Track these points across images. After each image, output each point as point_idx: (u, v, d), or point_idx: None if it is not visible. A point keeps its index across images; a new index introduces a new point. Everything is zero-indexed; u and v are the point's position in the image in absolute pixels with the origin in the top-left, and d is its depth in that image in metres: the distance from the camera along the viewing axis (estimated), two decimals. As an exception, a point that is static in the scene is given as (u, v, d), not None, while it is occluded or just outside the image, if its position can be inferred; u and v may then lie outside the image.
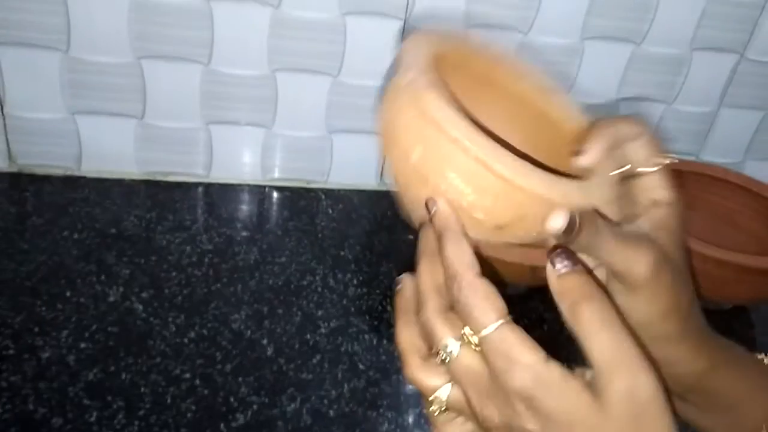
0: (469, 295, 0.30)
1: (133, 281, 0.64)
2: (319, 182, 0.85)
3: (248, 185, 0.83)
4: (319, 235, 0.76)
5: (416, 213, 0.33)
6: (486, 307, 0.30)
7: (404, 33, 0.76)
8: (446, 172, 0.30)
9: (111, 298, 0.62)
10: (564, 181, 0.31)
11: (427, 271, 0.33)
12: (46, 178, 0.77)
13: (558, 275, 0.30)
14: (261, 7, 0.72)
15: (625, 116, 0.35)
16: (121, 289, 0.63)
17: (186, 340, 0.59)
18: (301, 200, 0.82)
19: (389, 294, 0.68)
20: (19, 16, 0.68)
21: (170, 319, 0.61)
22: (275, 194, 0.83)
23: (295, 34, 0.74)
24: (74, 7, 0.68)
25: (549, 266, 0.31)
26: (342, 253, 0.74)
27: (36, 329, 0.57)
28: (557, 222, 0.29)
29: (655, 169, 0.34)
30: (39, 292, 0.61)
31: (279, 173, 0.84)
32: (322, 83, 0.78)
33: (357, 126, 0.82)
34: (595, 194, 0.32)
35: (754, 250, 0.76)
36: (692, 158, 0.93)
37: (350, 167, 0.85)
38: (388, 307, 0.67)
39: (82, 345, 0.57)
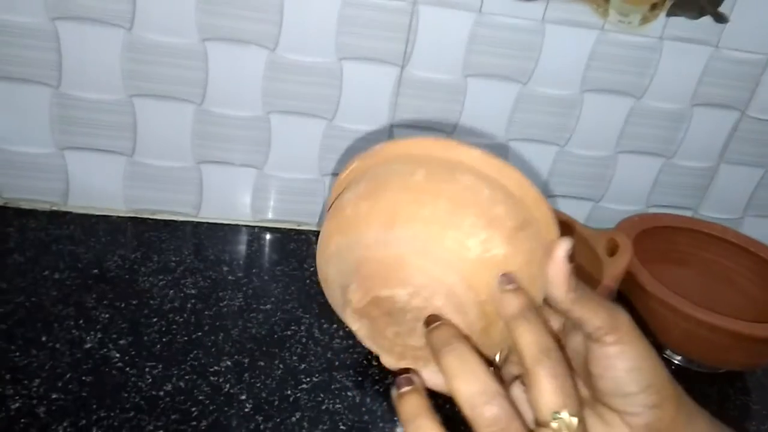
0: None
1: (111, 326, 0.62)
2: (310, 224, 0.84)
3: (238, 225, 0.82)
4: (307, 281, 0.74)
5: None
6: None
7: (401, 80, 0.75)
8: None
9: (87, 345, 0.60)
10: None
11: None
12: (32, 213, 0.75)
13: (398, 395, 0.33)
14: (257, 49, 0.71)
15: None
16: (99, 335, 0.61)
17: (162, 393, 0.57)
18: (291, 243, 0.81)
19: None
20: (11, 50, 0.67)
21: (147, 369, 0.59)
22: (265, 236, 0.81)
23: (291, 77, 0.73)
24: (66, 43, 0.67)
25: (393, 390, 0.33)
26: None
27: (8, 377, 0.55)
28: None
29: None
30: (14, 336, 0.59)
31: (270, 214, 0.83)
32: (317, 126, 0.77)
33: (351, 169, 0.81)
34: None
35: (751, 313, 0.75)
36: (690, 213, 0.92)
37: (342, 210, 0.83)
38: (374, 362, 0.65)
39: (54, 395, 0.55)
